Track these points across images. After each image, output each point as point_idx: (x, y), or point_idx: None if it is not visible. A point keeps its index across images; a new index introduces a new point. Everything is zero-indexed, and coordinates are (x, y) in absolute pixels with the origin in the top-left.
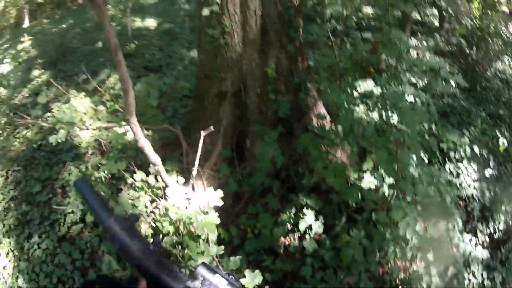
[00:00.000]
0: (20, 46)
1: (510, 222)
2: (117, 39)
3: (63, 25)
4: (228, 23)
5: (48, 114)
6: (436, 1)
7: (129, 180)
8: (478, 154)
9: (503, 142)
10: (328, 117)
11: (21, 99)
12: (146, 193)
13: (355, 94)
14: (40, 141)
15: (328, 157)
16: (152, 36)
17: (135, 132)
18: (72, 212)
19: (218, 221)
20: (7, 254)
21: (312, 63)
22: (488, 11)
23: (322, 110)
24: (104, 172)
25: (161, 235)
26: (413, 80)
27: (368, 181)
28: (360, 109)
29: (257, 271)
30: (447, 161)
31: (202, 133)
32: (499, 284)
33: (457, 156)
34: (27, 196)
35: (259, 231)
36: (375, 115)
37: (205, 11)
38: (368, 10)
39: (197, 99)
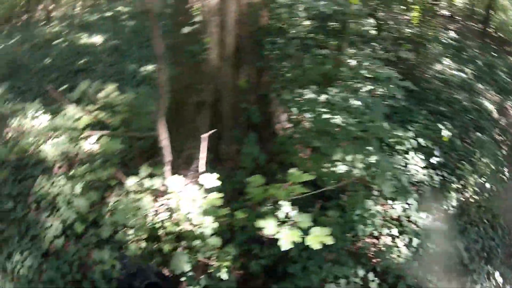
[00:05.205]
0: None
1: (462, 198)
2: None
3: (11, 41)
4: (207, 40)
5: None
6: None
7: (128, 184)
8: (424, 145)
9: (446, 133)
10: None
11: None
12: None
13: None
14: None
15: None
16: (99, 52)
17: (162, 133)
18: (51, 225)
19: (221, 195)
20: None
21: (278, 75)
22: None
23: (283, 116)
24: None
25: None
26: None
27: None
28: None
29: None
30: (396, 153)
31: (204, 136)
32: (463, 250)
33: (403, 149)
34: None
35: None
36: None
37: (186, 29)
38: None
39: (173, 109)
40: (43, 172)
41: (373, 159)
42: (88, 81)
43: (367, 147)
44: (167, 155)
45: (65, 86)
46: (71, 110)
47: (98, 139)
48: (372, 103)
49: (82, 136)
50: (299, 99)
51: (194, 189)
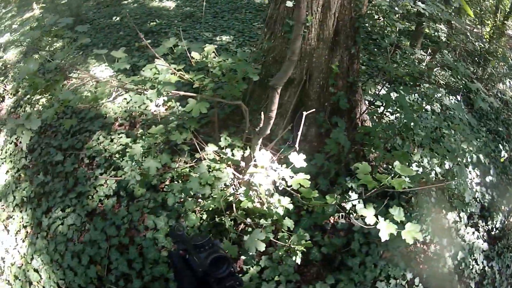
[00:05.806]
0: (28, 15)
1: (506, 222)
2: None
3: None
4: (310, 19)
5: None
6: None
7: (207, 152)
8: (482, 162)
9: (504, 154)
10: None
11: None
12: (227, 165)
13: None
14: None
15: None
16: (172, 17)
17: (274, 103)
18: (106, 183)
19: (308, 176)
20: (18, 231)
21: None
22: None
23: (364, 107)
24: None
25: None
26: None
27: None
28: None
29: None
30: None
31: (304, 113)
32: (497, 272)
33: (464, 162)
34: (44, 165)
35: (312, 209)
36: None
37: (289, 3)
38: None
39: (261, 82)
40: (102, 128)
41: (453, 166)
42: (174, 38)
43: (445, 153)
44: (267, 129)
45: (136, 45)
46: (162, 64)
47: (168, 101)
48: (457, 111)
49: (168, 93)
50: (386, 93)
51: (279, 167)
